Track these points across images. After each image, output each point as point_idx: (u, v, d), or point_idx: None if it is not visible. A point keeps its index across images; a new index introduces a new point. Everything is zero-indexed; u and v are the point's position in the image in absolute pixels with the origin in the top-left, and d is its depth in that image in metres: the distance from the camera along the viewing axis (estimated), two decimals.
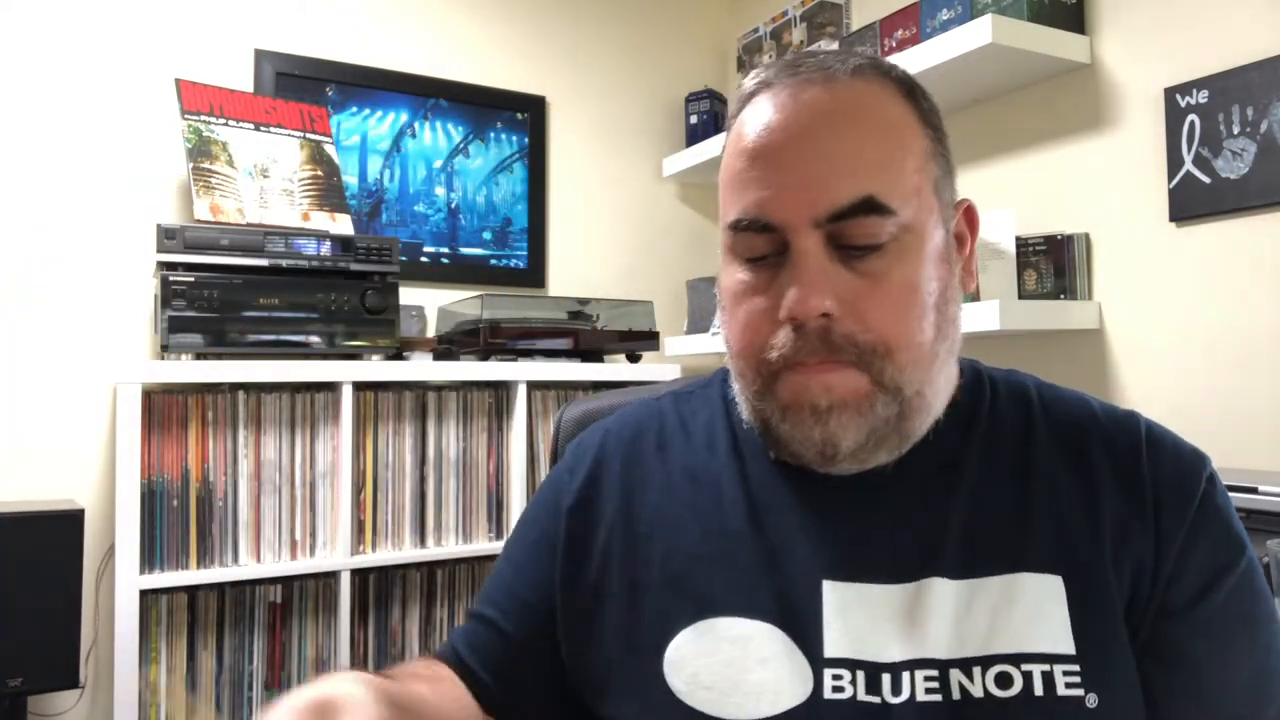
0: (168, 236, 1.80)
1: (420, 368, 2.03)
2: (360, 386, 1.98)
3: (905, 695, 0.62)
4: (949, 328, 0.67)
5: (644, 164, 2.71)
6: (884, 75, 0.67)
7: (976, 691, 0.61)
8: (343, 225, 2.08)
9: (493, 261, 2.51)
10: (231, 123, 2.04)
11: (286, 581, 1.92)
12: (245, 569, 1.86)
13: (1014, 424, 0.70)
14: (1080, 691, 0.60)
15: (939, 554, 0.65)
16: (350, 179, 2.31)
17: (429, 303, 2.36)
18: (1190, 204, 1.60)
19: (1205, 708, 0.65)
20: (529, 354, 2.17)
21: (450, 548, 2.07)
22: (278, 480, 1.91)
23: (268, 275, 1.89)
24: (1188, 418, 1.59)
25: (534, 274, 2.55)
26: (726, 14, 2.87)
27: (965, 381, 0.73)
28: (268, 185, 2.03)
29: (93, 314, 2.02)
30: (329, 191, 2.11)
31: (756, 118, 0.66)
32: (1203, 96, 1.58)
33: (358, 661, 1.97)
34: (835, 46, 2.17)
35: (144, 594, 1.76)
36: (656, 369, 2.30)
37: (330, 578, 1.95)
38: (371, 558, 1.97)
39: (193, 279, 1.82)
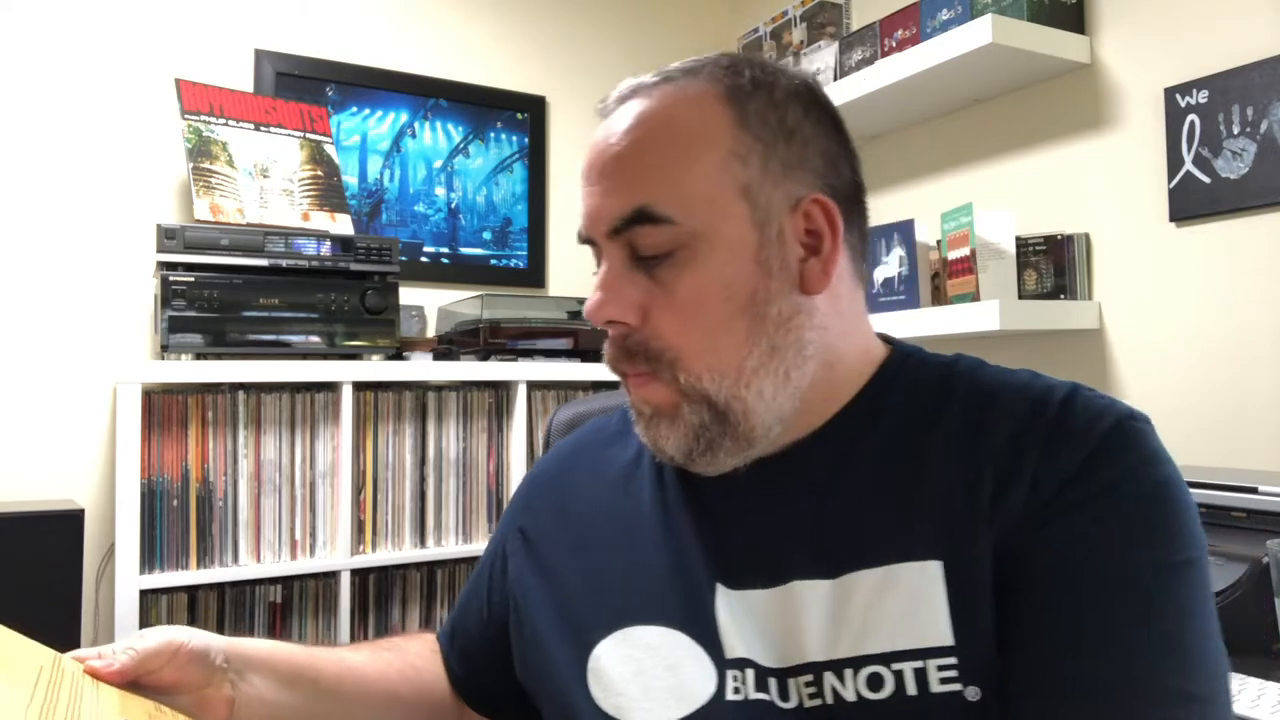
0: (168, 236, 1.80)
1: (420, 368, 2.03)
2: (360, 386, 1.98)
3: (793, 702, 0.62)
4: (772, 330, 0.64)
5: None
6: (701, 78, 0.67)
7: (849, 695, 0.60)
8: (343, 225, 2.08)
9: (493, 261, 2.51)
10: (231, 123, 2.04)
11: (286, 581, 1.92)
12: (245, 569, 1.86)
13: (924, 406, 0.67)
14: (958, 686, 0.57)
15: (817, 552, 0.64)
16: (350, 179, 2.31)
17: (429, 303, 2.36)
18: (1190, 204, 1.60)
19: (1026, 628, 0.58)
20: (529, 354, 2.17)
21: (450, 548, 2.07)
22: (278, 480, 1.91)
23: (268, 275, 1.89)
24: (1188, 418, 1.59)
25: (534, 274, 2.55)
26: (726, 14, 2.87)
27: (886, 366, 0.71)
28: (268, 185, 2.03)
29: (93, 314, 2.02)
30: (329, 191, 2.11)
31: (593, 139, 0.70)
32: (1203, 96, 1.58)
33: None
34: (835, 46, 2.17)
35: (144, 594, 1.76)
36: None
37: (330, 578, 1.95)
38: (371, 558, 1.97)
39: (193, 279, 1.82)
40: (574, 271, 2.60)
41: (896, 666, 0.59)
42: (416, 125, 2.41)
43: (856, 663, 0.60)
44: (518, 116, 2.54)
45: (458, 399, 2.10)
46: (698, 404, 0.64)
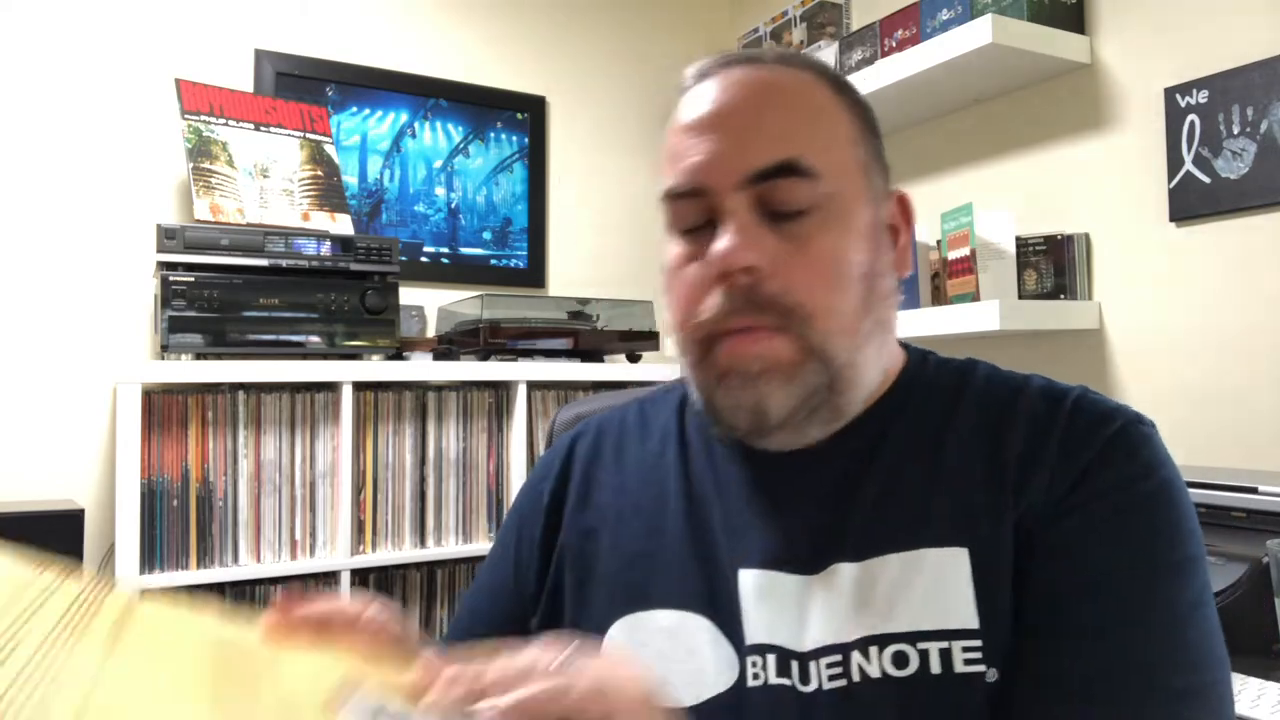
0: (168, 236, 1.80)
1: (420, 368, 2.03)
2: (360, 386, 1.98)
3: (814, 684, 0.63)
4: (878, 304, 0.67)
5: (644, 164, 2.71)
6: (812, 69, 0.70)
7: (874, 672, 0.61)
8: (343, 225, 2.08)
9: (493, 261, 2.51)
10: (231, 123, 2.04)
11: (286, 581, 1.92)
12: (245, 569, 1.86)
13: (943, 402, 0.70)
14: (981, 667, 0.59)
15: (844, 538, 0.66)
16: (350, 179, 2.31)
17: (429, 303, 2.37)
18: (1190, 204, 1.60)
19: (1046, 617, 0.60)
20: (529, 354, 2.17)
21: (450, 548, 2.07)
22: (278, 480, 1.91)
23: (268, 275, 1.89)
24: (1188, 417, 1.59)
25: (534, 274, 2.55)
26: (726, 14, 2.87)
27: (908, 365, 0.74)
28: (268, 185, 2.03)
29: (93, 314, 2.02)
30: (329, 191, 2.11)
31: (690, 101, 0.69)
32: (1203, 96, 1.58)
33: None
34: (835, 47, 2.17)
35: (144, 594, 1.76)
36: (657, 369, 2.30)
37: (330, 578, 1.95)
38: (371, 558, 1.97)
39: (193, 279, 1.82)
40: (574, 272, 2.60)
41: (922, 646, 0.61)
42: (416, 125, 2.41)
43: (882, 640, 0.62)
44: (518, 116, 2.54)
45: (458, 399, 2.10)
46: (820, 364, 0.64)
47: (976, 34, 1.73)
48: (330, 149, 2.16)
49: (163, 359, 1.85)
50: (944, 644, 0.60)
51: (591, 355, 2.26)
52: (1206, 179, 1.58)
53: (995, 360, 0.73)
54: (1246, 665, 1.07)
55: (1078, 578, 0.60)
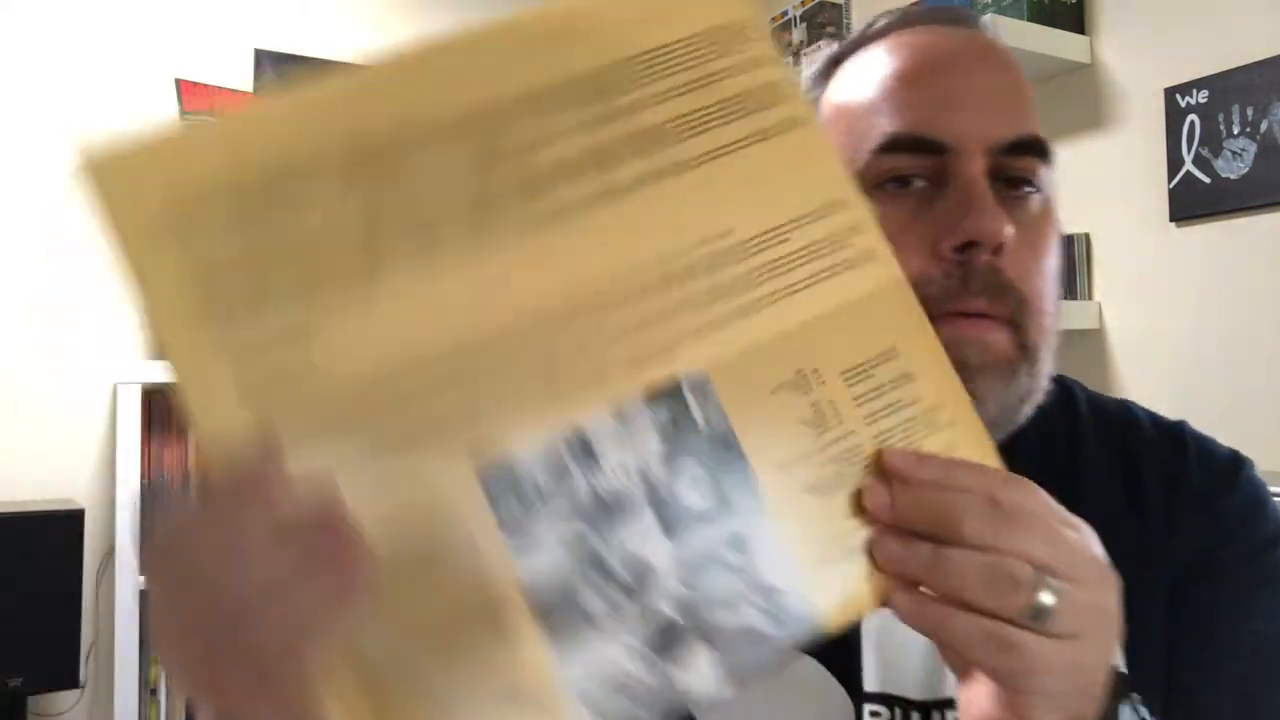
0: None
1: None
2: None
3: None
4: (1058, 314, 0.61)
5: None
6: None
7: None
8: None
9: None
10: None
11: None
12: None
13: (1064, 425, 0.65)
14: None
15: None
16: None
17: None
18: (1190, 204, 1.60)
19: (1209, 671, 0.58)
20: None
21: None
22: None
23: None
24: (1187, 417, 1.59)
25: None
26: None
27: None
28: None
29: (93, 314, 2.02)
30: None
31: (902, 49, 0.60)
32: (1203, 96, 1.58)
33: None
34: (834, 47, 2.17)
35: (144, 594, 1.76)
36: None
37: None
38: None
39: None
40: None
41: None
42: None
43: None
44: None
45: None
46: (1029, 368, 0.57)
47: None
48: None
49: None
50: None
51: None
52: (1206, 179, 1.57)
53: None
54: None
55: (1233, 634, 0.58)
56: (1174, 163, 1.62)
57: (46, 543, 1.68)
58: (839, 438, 0.42)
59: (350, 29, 2.33)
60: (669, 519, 0.40)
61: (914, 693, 0.59)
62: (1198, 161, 1.59)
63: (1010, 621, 0.37)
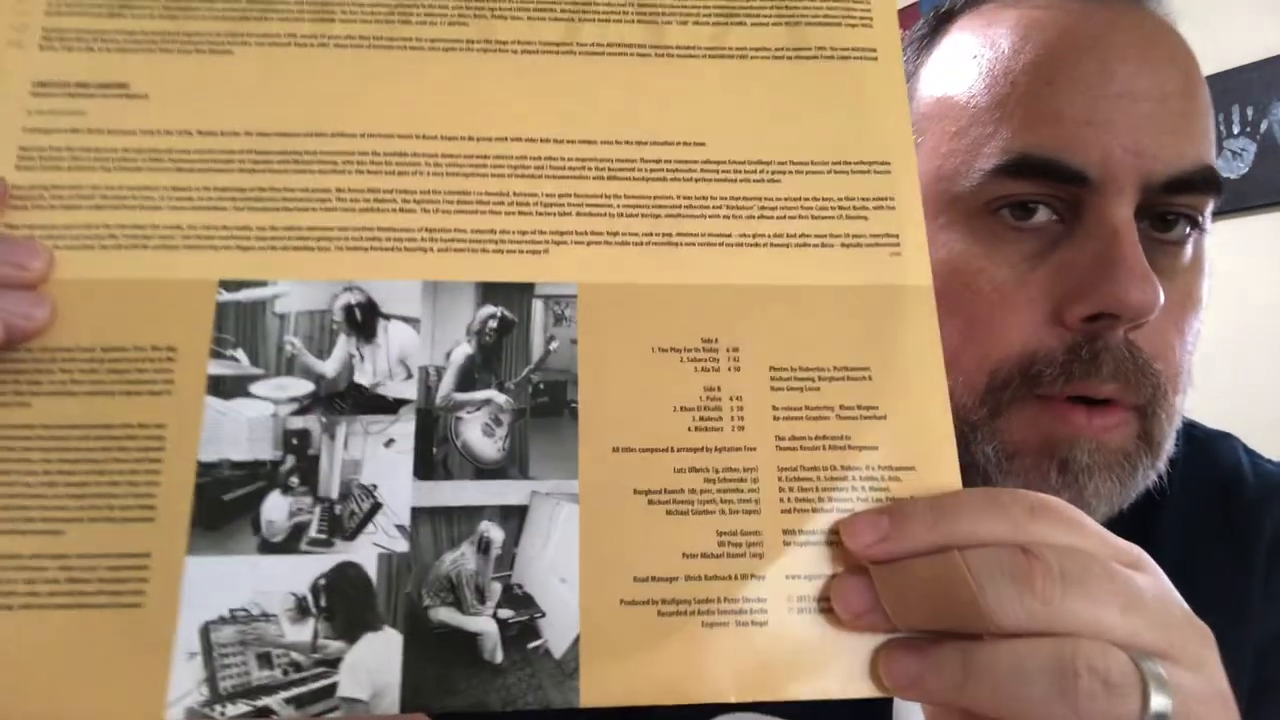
0: None
1: None
2: None
3: None
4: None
5: None
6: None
7: None
8: None
9: None
10: None
11: None
12: None
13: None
14: None
15: None
16: None
17: None
18: None
19: None
20: None
21: None
22: None
23: None
24: (1186, 417, 1.55)
25: None
26: None
27: None
28: None
29: None
30: None
31: (1037, 27, 0.46)
32: None
33: None
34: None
35: None
36: None
37: None
38: None
39: None
40: None
41: None
42: None
43: None
44: None
45: None
46: (1151, 463, 0.45)
47: None
48: None
49: None
50: None
51: None
52: None
53: None
54: None
55: None
56: None
57: None
58: (724, 449, 0.30)
59: None
60: (431, 450, 0.29)
61: None
62: None
63: None
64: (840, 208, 0.33)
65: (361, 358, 0.30)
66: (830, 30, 0.36)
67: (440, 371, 0.30)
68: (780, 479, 0.30)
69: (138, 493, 0.28)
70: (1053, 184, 0.43)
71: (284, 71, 0.33)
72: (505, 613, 0.27)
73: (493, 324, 0.30)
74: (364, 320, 0.30)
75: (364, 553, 0.28)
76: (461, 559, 0.28)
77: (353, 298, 0.31)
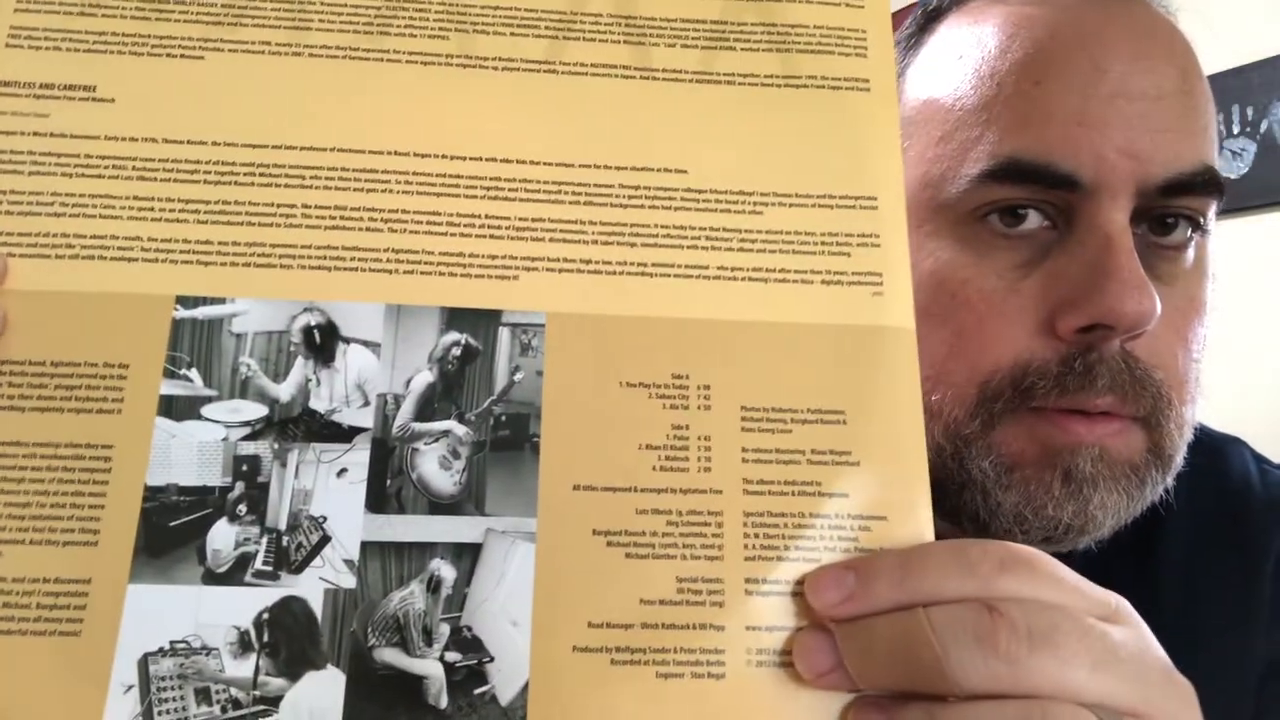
0: None
1: None
2: None
3: None
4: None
5: None
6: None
7: None
8: None
9: None
10: None
11: None
12: None
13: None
14: None
15: None
16: None
17: None
18: None
19: None
20: None
21: None
22: None
23: None
24: None
25: None
26: None
27: None
28: None
29: None
30: None
31: (1027, 24, 0.44)
32: None
33: None
34: None
35: None
36: None
37: None
38: None
39: None
40: None
41: None
42: None
43: None
44: None
45: None
46: (1160, 475, 0.43)
47: None
48: None
49: None
50: None
51: None
52: None
53: None
54: None
55: None
56: None
57: None
58: (692, 490, 0.29)
59: None
60: (385, 482, 0.28)
61: None
62: None
63: None
64: (823, 243, 0.32)
65: (318, 382, 0.29)
66: (823, 59, 0.34)
67: (399, 399, 0.29)
68: (746, 524, 0.28)
69: (81, 515, 0.27)
70: (1043, 189, 0.41)
71: (255, 80, 0.32)
72: (452, 656, 0.26)
73: (456, 351, 0.30)
74: (323, 343, 0.29)
75: (310, 587, 0.27)
76: (410, 598, 0.27)
77: (312, 319, 0.30)
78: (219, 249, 0.30)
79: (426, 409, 0.29)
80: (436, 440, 0.29)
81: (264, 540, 0.27)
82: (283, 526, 0.28)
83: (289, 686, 0.26)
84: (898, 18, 1.45)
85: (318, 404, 0.29)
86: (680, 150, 0.33)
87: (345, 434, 0.29)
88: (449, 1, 0.33)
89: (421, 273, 0.30)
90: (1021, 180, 0.41)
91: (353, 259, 0.30)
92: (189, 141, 0.31)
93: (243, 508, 0.28)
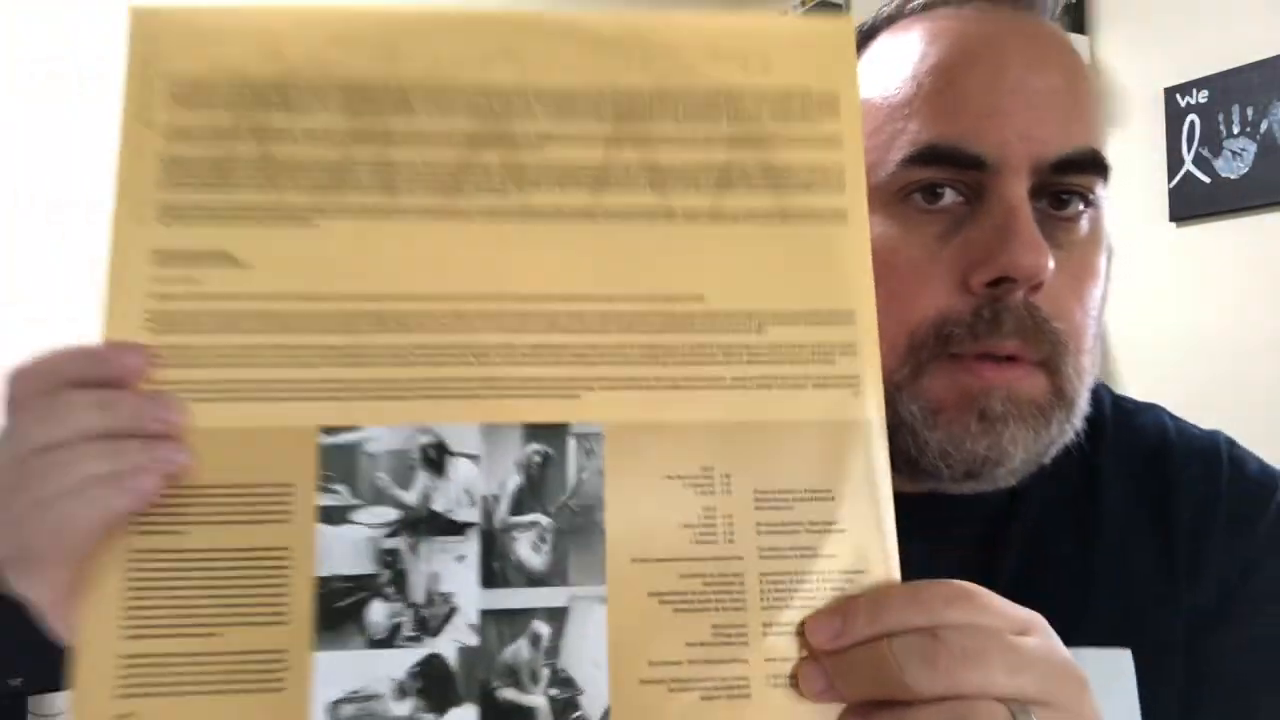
0: None
1: None
2: None
3: None
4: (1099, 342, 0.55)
5: None
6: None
7: None
8: None
9: None
10: None
11: None
12: None
13: (1083, 447, 0.57)
14: None
15: None
16: None
17: None
18: (1190, 204, 1.60)
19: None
20: None
21: None
22: None
23: None
24: (1186, 417, 1.59)
25: None
26: (727, 14, 2.86)
27: None
28: None
29: (93, 314, 2.01)
30: None
31: (943, 36, 0.53)
32: (1203, 96, 1.58)
33: None
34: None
35: None
36: None
37: None
38: None
39: None
40: None
41: None
42: None
43: None
44: None
45: None
46: (1065, 416, 0.51)
47: None
48: None
49: None
50: None
51: None
52: (1206, 179, 1.57)
53: None
54: None
55: (1258, 686, 0.53)
56: (1174, 163, 1.62)
57: None
58: (721, 558, 0.37)
59: None
60: (493, 563, 0.38)
61: None
62: (1198, 161, 1.59)
63: None
64: (814, 353, 0.39)
65: (436, 489, 0.39)
66: (809, 195, 0.40)
67: (497, 499, 0.38)
68: (762, 583, 0.37)
69: (272, 602, 0.37)
70: (956, 169, 0.50)
71: (362, 240, 0.40)
72: (553, 691, 0.36)
73: (536, 459, 0.39)
74: (436, 458, 0.39)
75: (446, 646, 0.37)
76: (519, 650, 0.37)
77: (427, 439, 0.39)
78: (350, 386, 0.39)
79: (518, 505, 0.38)
80: (528, 529, 0.38)
81: (408, 613, 0.37)
82: (421, 601, 0.37)
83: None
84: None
85: (437, 506, 0.38)
86: (698, 280, 0.40)
87: (459, 528, 0.38)
88: (507, 162, 0.41)
89: (506, 396, 0.39)
90: (938, 163, 0.50)
91: (453, 389, 0.39)
92: (316, 298, 0.40)
93: (390, 589, 0.37)
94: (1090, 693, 0.37)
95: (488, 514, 0.38)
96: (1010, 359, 0.49)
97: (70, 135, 2.03)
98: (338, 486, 0.38)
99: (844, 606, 0.37)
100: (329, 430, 0.39)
